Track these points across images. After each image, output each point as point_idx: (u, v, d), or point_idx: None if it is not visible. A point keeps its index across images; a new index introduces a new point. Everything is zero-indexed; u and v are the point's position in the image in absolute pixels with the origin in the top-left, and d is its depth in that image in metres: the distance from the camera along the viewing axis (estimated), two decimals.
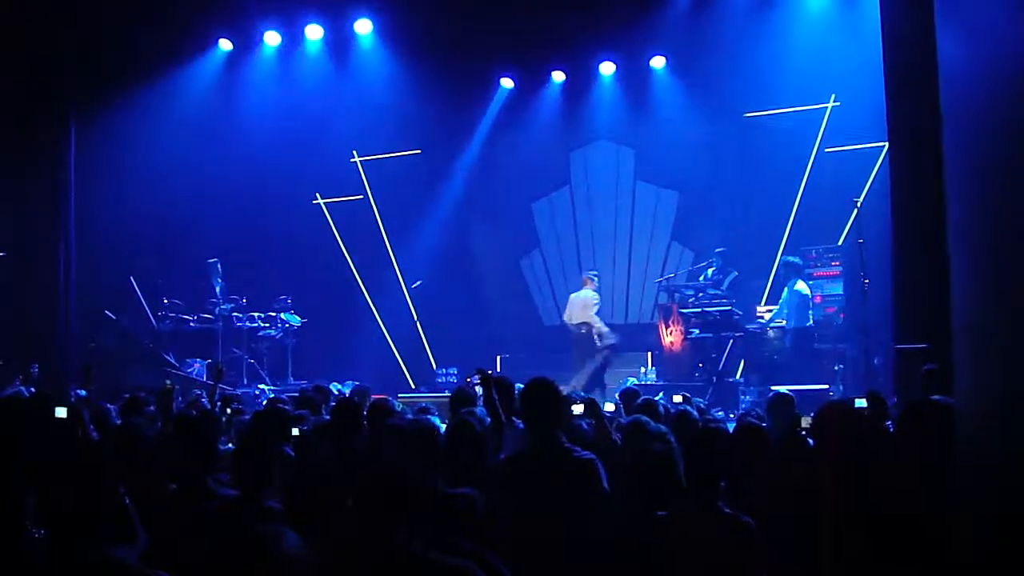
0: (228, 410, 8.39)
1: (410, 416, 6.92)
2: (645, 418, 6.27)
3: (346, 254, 17.69)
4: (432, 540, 3.51)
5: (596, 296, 15.02)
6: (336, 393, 10.30)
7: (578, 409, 6.44)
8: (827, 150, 15.09)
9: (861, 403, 6.67)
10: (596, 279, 15.27)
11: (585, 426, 6.03)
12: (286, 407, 7.26)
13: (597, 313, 14.86)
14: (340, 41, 16.97)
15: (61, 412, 6.10)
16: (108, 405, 8.23)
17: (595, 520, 4.65)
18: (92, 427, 6.48)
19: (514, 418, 6.37)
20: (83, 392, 8.43)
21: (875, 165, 13.98)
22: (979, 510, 3.00)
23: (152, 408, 7.99)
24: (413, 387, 16.31)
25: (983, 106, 2.91)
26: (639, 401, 7.42)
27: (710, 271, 14.74)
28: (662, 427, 6.01)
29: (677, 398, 8.24)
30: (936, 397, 4.95)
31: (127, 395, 8.83)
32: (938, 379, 7.09)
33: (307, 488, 5.07)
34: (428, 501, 3.63)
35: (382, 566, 3.40)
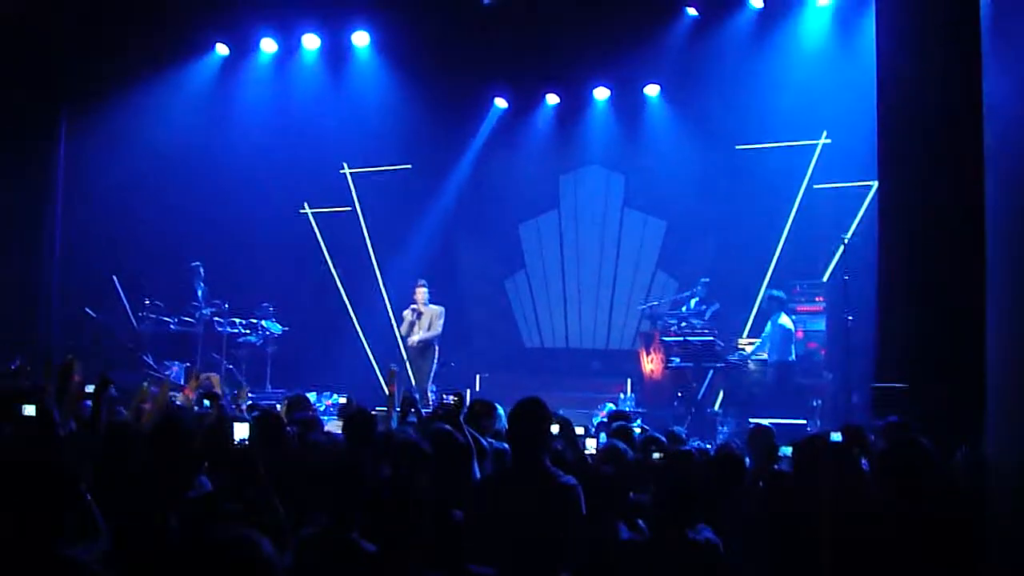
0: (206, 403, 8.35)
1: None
2: (623, 445, 6.26)
3: (331, 265, 17.64)
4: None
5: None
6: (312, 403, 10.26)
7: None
8: (816, 186, 15.14)
9: (836, 436, 6.66)
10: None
11: (560, 446, 6.01)
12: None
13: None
14: (336, 52, 16.94)
15: (29, 410, 6.00)
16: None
17: (572, 546, 4.65)
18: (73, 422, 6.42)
19: (490, 439, 6.36)
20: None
21: (863, 203, 14.02)
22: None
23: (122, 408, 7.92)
24: None
25: None
26: (614, 426, 7.40)
27: (693, 301, 14.75)
28: (630, 451, 6.04)
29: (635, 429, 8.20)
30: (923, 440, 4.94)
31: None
32: (902, 432, 6.87)
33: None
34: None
35: None
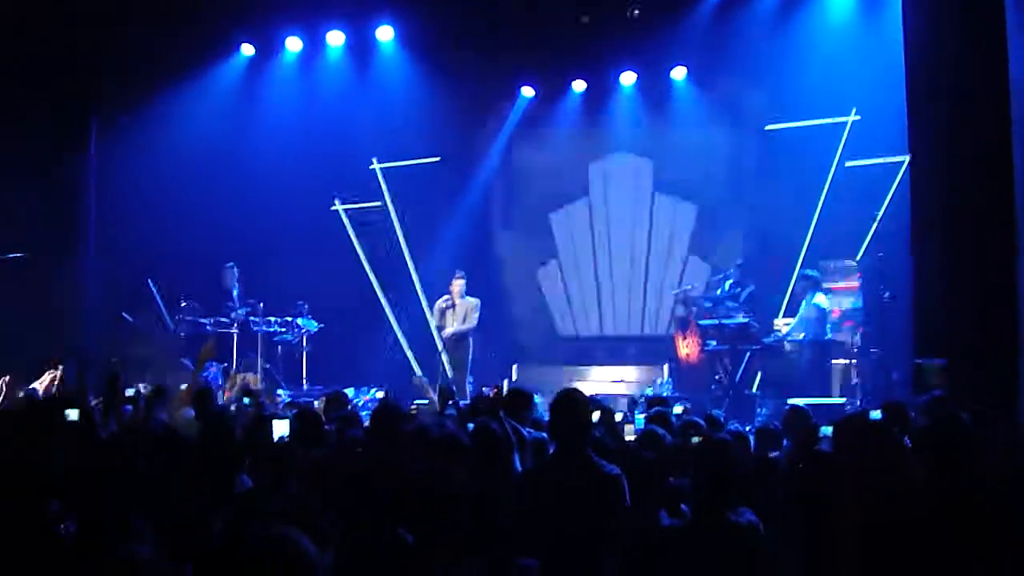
0: (245, 401, 8.42)
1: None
2: (661, 430, 6.27)
3: (364, 261, 17.66)
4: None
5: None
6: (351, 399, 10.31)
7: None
8: (847, 164, 15.01)
9: (876, 415, 6.63)
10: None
11: (598, 433, 6.02)
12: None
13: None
14: (361, 47, 16.96)
15: (73, 415, 6.08)
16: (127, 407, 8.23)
17: (617, 535, 4.65)
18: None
19: (529, 429, 6.37)
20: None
21: (895, 179, 13.89)
22: None
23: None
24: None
25: None
26: (652, 412, 7.40)
27: (727, 284, 14.68)
28: (668, 436, 6.06)
29: (678, 408, 8.21)
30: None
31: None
32: (946, 406, 6.86)
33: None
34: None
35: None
